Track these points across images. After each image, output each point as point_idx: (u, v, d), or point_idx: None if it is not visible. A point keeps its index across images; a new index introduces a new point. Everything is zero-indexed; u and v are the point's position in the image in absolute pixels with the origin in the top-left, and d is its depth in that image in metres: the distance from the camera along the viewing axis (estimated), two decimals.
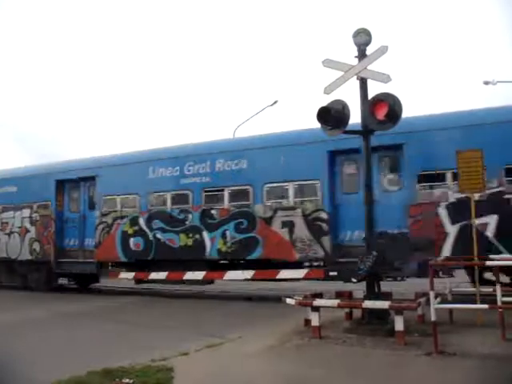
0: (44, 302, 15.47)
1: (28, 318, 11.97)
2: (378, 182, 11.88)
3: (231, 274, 14.84)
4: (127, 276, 21.05)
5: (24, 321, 11.43)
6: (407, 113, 8.51)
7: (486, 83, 26.06)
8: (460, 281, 12.72)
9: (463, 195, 9.61)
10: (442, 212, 11.42)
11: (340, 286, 11.94)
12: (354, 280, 8.24)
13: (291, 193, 13.58)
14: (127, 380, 5.61)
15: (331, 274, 12.36)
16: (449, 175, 11.42)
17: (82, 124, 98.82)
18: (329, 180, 13.06)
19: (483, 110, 11.95)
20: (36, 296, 17.24)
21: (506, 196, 10.93)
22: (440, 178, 11.67)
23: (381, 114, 8.16)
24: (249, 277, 14.37)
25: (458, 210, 10.91)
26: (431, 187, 11.84)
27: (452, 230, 11.21)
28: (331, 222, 12.76)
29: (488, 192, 10.35)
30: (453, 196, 11.24)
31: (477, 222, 9.20)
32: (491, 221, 10.78)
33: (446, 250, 11.08)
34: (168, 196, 15.58)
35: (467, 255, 8.78)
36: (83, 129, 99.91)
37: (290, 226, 13.34)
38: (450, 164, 10.20)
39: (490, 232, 10.74)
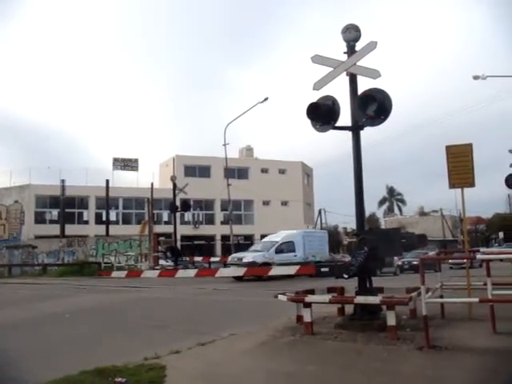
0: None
1: (16, 318, 11.91)
2: None
3: (224, 271, 14.91)
4: (119, 275, 21.23)
5: (12, 321, 11.37)
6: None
7: (476, 78, 26.21)
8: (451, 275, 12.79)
9: None
10: None
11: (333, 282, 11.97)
12: (345, 276, 8.25)
13: None
14: (120, 379, 5.58)
15: (323, 270, 12.39)
16: None
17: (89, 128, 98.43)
18: None
19: None
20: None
21: None
22: None
23: (370, 109, 8.16)
24: (241, 274, 14.48)
25: None
26: None
27: None
28: None
29: None
30: None
31: None
32: None
33: None
34: None
35: None
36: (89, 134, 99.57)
37: None
38: None
39: None
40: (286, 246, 26.84)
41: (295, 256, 26.24)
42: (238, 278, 23.76)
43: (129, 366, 6.12)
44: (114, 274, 24.11)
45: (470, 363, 5.87)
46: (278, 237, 28.47)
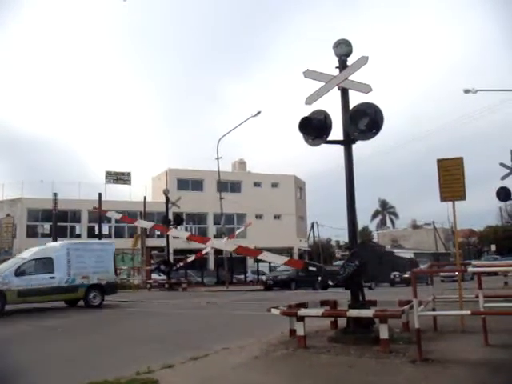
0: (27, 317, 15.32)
1: (10, 332, 11.84)
2: None
3: (216, 243, 14.75)
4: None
5: (6, 335, 11.31)
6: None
7: (467, 92, 26.49)
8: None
9: None
10: None
11: (328, 295, 11.96)
12: (330, 283, 8.30)
13: None
14: None
15: (310, 268, 12.25)
16: None
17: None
18: None
19: None
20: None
21: None
22: None
23: (362, 123, 8.22)
24: (230, 250, 14.41)
25: None
26: None
27: None
28: None
29: None
30: None
31: None
32: None
33: None
34: None
35: None
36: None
37: None
38: None
39: None
40: (39, 265, 18.49)
41: (52, 278, 18.22)
42: None
43: (121, 381, 6.08)
44: (110, 213, 23.66)
45: (462, 376, 5.87)
46: (30, 252, 19.63)
